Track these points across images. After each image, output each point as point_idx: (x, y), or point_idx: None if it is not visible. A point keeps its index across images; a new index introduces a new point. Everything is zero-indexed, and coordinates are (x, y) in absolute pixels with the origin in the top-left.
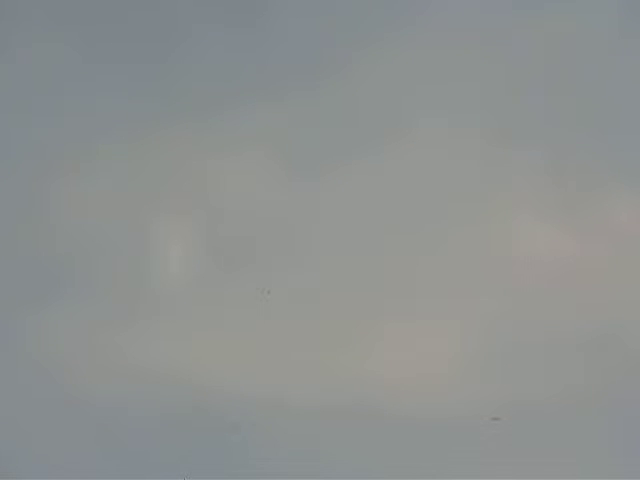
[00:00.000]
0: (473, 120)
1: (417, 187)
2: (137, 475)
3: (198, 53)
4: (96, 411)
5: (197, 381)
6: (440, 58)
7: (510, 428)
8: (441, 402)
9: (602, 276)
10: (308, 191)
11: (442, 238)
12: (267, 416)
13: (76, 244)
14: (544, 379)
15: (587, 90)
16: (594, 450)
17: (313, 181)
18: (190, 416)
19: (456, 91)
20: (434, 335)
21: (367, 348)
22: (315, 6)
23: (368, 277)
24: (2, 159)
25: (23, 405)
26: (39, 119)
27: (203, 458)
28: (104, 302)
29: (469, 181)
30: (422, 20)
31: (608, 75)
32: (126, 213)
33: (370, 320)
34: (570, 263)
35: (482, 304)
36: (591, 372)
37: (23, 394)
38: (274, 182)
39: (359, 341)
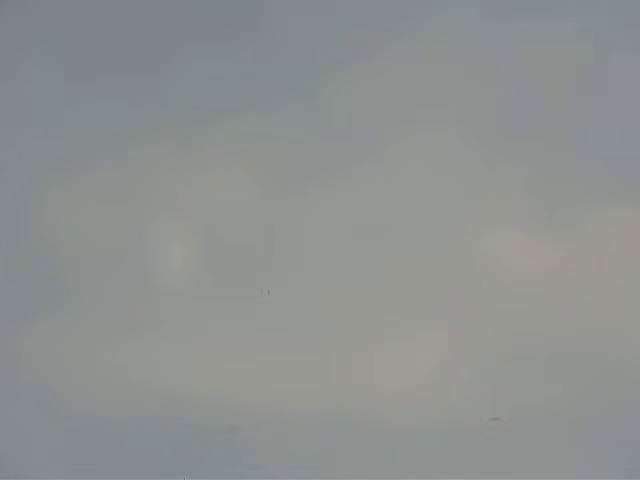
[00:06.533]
0: (460, 134)
1: (405, 200)
2: None
3: (190, 68)
4: (95, 423)
5: (197, 392)
6: (423, 75)
7: (510, 428)
8: (441, 408)
9: (587, 287)
10: (299, 203)
11: (434, 247)
12: (267, 426)
13: (73, 256)
14: (538, 383)
15: (571, 105)
16: (590, 450)
17: (304, 193)
18: (189, 427)
19: (443, 106)
20: (430, 344)
21: (365, 356)
22: (305, 19)
23: (364, 286)
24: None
25: (22, 417)
26: (35, 131)
27: (202, 468)
28: (102, 314)
29: (455, 195)
30: (406, 37)
31: (592, 91)
32: (123, 225)
33: (368, 328)
34: (555, 274)
35: (476, 312)
36: (583, 377)
37: (21, 407)
38: (267, 194)
39: (357, 350)
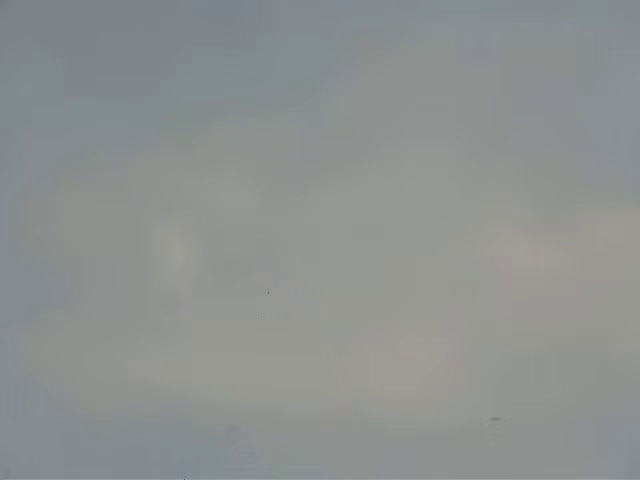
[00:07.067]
0: (459, 135)
1: (404, 201)
2: None
3: (190, 68)
4: (95, 423)
5: (196, 393)
6: (422, 75)
7: (510, 428)
8: (441, 408)
9: (587, 288)
10: (299, 203)
11: (434, 248)
12: (267, 427)
13: (74, 257)
14: (538, 383)
15: (570, 106)
16: (590, 450)
17: (304, 193)
18: (189, 427)
19: (443, 106)
20: (430, 344)
21: (365, 357)
22: (304, 19)
23: (364, 287)
24: None
25: (22, 418)
26: (35, 131)
27: (202, 468)
28: (102, 315)
29: (454, 196)
30: (405, 37)
31: (590, 93)
32: (123, 226)
33: (368, 328)
34: (555, 275)
35: (476, 312)
36: (583, 377)
37: (22, 407)
38: (267, 194)
39: (357, 350)
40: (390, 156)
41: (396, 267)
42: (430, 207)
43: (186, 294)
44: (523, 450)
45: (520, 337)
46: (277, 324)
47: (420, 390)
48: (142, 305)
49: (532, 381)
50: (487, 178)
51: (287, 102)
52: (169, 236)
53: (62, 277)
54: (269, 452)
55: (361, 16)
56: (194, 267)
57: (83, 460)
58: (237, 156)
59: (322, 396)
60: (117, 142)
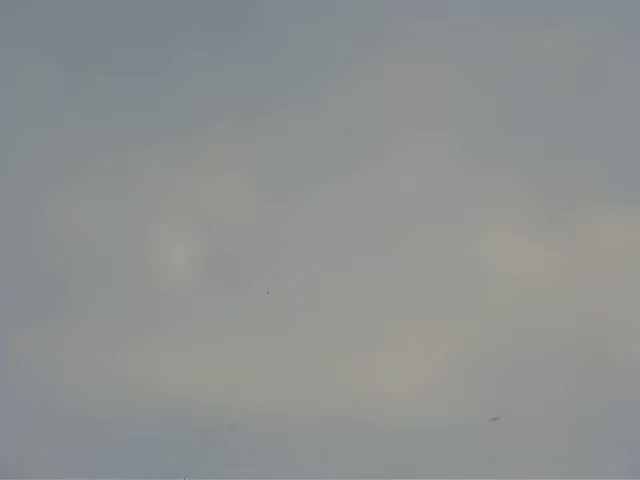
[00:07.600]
0: (459, 136)
1: (405, 201)
2: None
3: (190, 68)
4: (96, 423)
5: (197, 392)
6: (422, 76)
7: (510, 428)
8: (441, 408)
9: (587, 288)
10: (299, 203)
11: (434, 249)
12: (267, 427)
13: (74, 259)
14: (538, 383)
15: (569, 108)
16: (590, 450)
17: (304, 193)
18: (189, 427)
19: (443, 107)
20: (431, 345)
21: (365, 357)
22: (304, 20)
23: (364, 287)
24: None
25: (23, 418)
26: (35, 132)
27: (202, 468)
28: (103, 316)
29: (455, 197)
30: (405, 38)
31: (592, 94)
32: (123, 227)
33: (368, 329)
34: (555, 276)
35: (477, 313)
36: (583, 377)
37: (23, 408)
38: (267, 194)
39: (357, 351)
40: (390, 156)
41: (396, 267)
42: (431, 208)
43: (186, 294)
44: (523, 450)
45: (520, 337)
46: (277, 324)
47: (420, 390)
48: (142, 305)
49: (532, 381)
50: (487, 179)
51: (287, 102)
52: (169, 236)
53: (62, 277)
54: (269, 452)
55: (361, 16)
56: (194, 267)
57: (83, 460)
58: (237, 156)
59: (322, 396)
60: (117, 142)
